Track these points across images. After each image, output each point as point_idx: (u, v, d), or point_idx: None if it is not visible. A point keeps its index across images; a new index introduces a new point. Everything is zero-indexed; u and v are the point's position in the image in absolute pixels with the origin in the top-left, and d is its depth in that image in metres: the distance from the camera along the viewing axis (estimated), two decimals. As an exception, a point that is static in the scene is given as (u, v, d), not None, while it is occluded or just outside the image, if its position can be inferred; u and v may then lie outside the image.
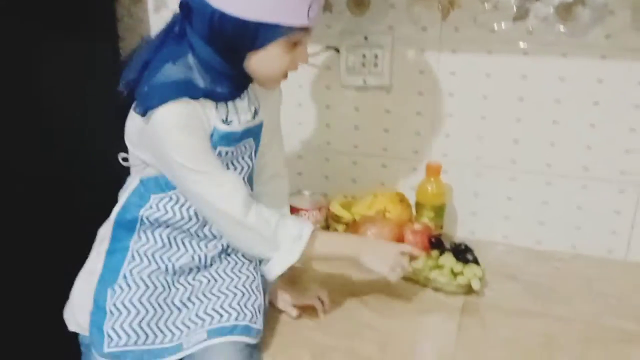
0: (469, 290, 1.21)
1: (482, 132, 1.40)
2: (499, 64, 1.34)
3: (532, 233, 1.44)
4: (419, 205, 1.38)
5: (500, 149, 1.40)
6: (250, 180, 1.09)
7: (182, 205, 1.00)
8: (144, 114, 0.90)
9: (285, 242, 0.99)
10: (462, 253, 1.25)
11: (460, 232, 1.50)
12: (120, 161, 1.04)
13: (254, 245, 1.00)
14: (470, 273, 1.20)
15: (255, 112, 1.03)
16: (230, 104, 0.98)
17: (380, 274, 1.07)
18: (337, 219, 1.37)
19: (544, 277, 1.29)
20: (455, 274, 1.21)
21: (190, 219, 1.00)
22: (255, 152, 1.07)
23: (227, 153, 0.98)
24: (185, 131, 0.91)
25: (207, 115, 0.94)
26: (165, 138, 0.91)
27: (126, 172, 1.06)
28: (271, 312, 1.12)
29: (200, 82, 0.93)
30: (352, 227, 1.32)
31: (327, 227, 1.37)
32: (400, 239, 1.29)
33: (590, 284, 1.27)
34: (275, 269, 1.00)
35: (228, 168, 0.99)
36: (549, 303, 1.19)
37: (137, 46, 1.01)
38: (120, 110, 0.99)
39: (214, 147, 0.95)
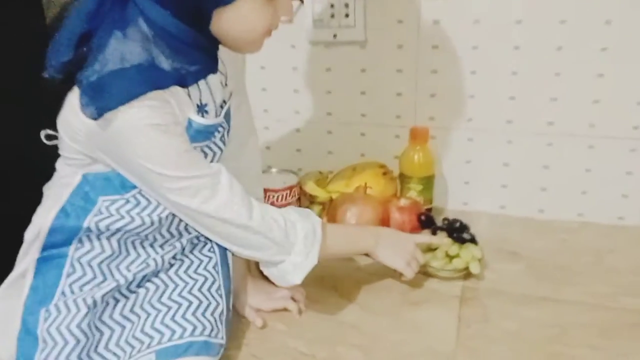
0: (466, 274, 1.04)
1: (472, 89, 1.22)
2: (489, 7, 1.14)
3: (534, 201, 1.27)
4: (404, 178, 1.20)
5: (495, 109, 1.22)
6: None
7: (143, 209, 0.81)
8: (97, 116, 0.70)
9: (299, 243, 0.85)
10: (458, 231, 1.08)
11: (451, 204, 1.33)
12: (44, 140, 0.83)
13: (262, 248, 0.85)
14: (467, 255, 1.03)
15: (225, 84, 0.85)
16: (203, 82, 0.80)
17: (396, 269, 0.97)
18: (312, 199, 1.19)
19: (549, 253, 1.13)
20: (450, 257, 1.05)
21: (152, 223, 0.82)
22: (228, 132, 0.89)
23: (202, 146, 0.82)
24: (159, 133, 0.73)
25: (180, 104, 0.76)
26: (134, 144, 0.73)
27: (52, 157, 0.86)
28: (235, 316, 0.95)
29: (164, 62, 0.73)
30: (330, 208, 1.14)
31: (300, 208, 1.19)
32: (385, 219, 1.11)
33: (602, 257, 1.12)
34: (293, 276, 0.86)
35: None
36: (558, 284, 1.03)
37: (62, 12, 0.79)
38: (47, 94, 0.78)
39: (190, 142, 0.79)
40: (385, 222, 1.11)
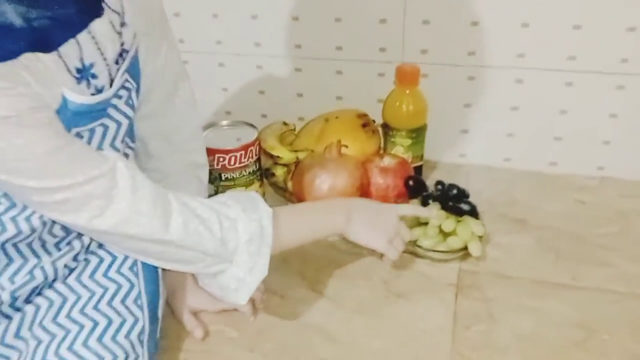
0: (464, 255, 0.84)
1: (475, 14, 0.96)
2: None
3: (545, 152, 1.05)
4: (389, 130, 0.97)
5: (503, 39, 0.97)
6: (131, 135, 0.67)
7: (19, 214, 0.58)
8: None
9: (241, 251, 0.63)
10: (455, 201, 0.87)
11: (446, 155, 1.11)
12: None
13: (190, 262, 0.63)
14: (466, 232, 0.82)
15: (122, 24, 0.59)
16: (83, 34, 0.54)
17: (376, 249, 0.76)
18: (275, 160, 0.96)
19: (564, 220, 0.92)
20: (444, 234, 0.84)
21: (33, 230, 0.60)
22: (138, 90, 0.64)
23: (91, 128, 0.58)
24: (8, 128, 0.47)
25: (43, 77, 0.50)
26: None
27: None
28: (170, 322, 0.75)
29: (10, 12, 0.46)
30: (295, 173, 0.91)
31: (259, 175, 0.95)
32: (364, 185, 0.89)
33: (630, 223, 0.91)
34: (236, 295, 0.65)
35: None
36: (577, 264, 0.83)
37: None
38: None
39: (67, 128, 0.53)
40: (364, 188, 0.89)
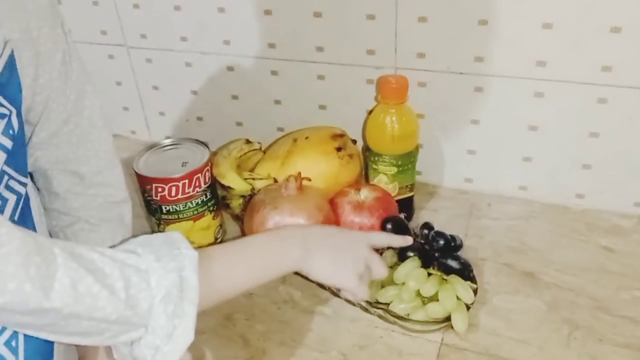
0: (449, 325, 0.66)
1: (483, 9, 0.76)
2: None
3: (570, 181, 0.85)
4: (370, 155, 0.79)
5: (518, 41, 0.76)
6: (19, 169, 0.53)
7: None
8: None
9: (156, 312, 0.47)
10: (441, 253, 0.69)
11: (449, 179, 0.92)
12: None
13: (88, 334, 0.47)
14: (450, 299, 0.65)
15: None
16: None
17: (342, 289, 0.62)
18: (227, 189, 0.79)
19: (586, 276, 0.73)
20: (423, 299, 0.66)
21: None
22: (19, 114, 0.51)
23: None
24: None
25: None
26: None
27: None
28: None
29: None
30: (247, 208, 0.75)
31: (213, 204, 0.79)
32: (331, 225, 0.72)
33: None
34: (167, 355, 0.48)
35: None
36: (597, 344, 0.64)
37: None
38: None
39: None
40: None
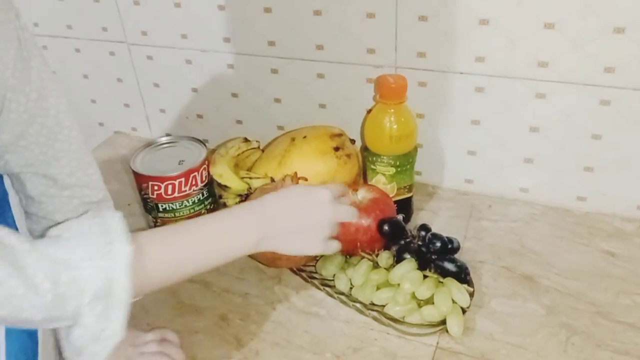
0: (444, 329, 0.65)
1: (485, 8, 0.75)
2: None
3: (572, 184, 0.84)
4: (369, 155, 0.78)
5: (520, 41, 0.75)
6: None
7: None
8: None
9: (84, 309, 0.45)
10: (438, 256, 0.68)
11: (448, 180, 0.91)
12: None
13: (18, 326, 0.48)
14: (445, 302, 0.64)
15: None
16: None
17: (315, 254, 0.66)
18: (224, 188, 0.79)
19: (586, 281, 0.72)
20: (418, 302, 0.66)
21: None
22: None
23: None
24: None
25: None
26: None
27: None
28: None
29: None
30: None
31: (210, 203, 0.78)
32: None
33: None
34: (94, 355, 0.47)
35: None
36: (594, 350, 0.63)
37: None
38: None
39: None
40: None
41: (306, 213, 0.60)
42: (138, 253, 0.48)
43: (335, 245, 0.63)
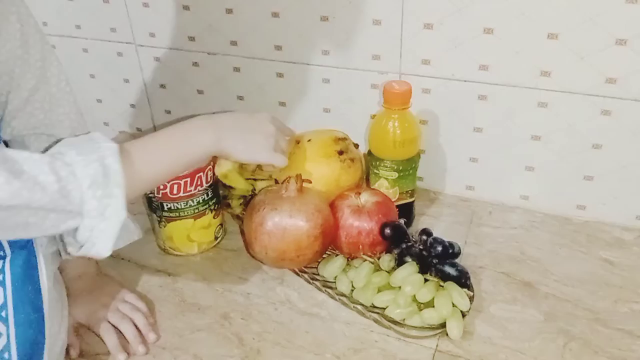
0: (444, 331, 0.66)
1: (489, 18, 0.76)
2: None
3: (572, 192, 0.85)
4: (373, 160, 0.79)
5: (523, 51, 0.76)
6: None
7: None
8: None
9: (86, 198, 0.50)
10: (441, 259, 0.69)
11: (450, 186, 0.92)
12: None
13: (30, 225, 0.49)
14: (446, 306, 0.65)
15: None
16: None
17: (262, 163, 0.69)
18: (229, 189, 0.80)
19: (585, 288, 0.73)
20: (419, 304, 0.66)
21: None
22: None
23: None
24: None
25: None
26: None
27: None
28: None
29: None
30: (248, 208, 0.75)
31: (215, 203, 0.80)
32: (329, 229, 0.72)
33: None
34: (97, 248, 0.53)
35: None
36: (592, 356, 0.64)
37: None
38: None
39: None
40: (330, 233, 0.73)
41: (251, 123, 0.67)
42: (123, 150, 0.54)
43: (283, 159, 0.68)
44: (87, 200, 0.50)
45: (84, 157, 0.51)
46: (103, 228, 0.51)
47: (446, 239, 0.71)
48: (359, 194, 0.76)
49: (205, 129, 0.62)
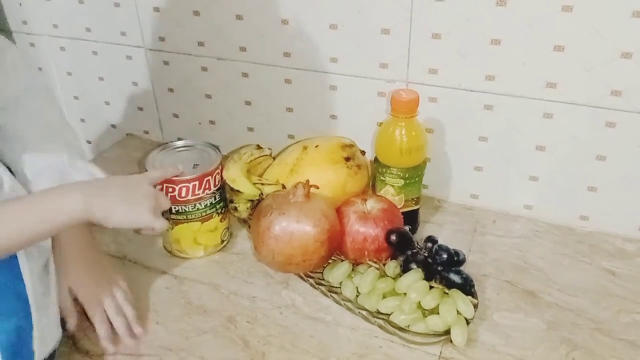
0: (448, 338, 0.67)
1: (496, 29, 0.77)
2: None
3: (575, 203, 0.85)
4: (379, 167, 0.80)
5: (529, 62, 0.77)
6: None
7: None
8: None
9: None
10: (446, 266, 0.69)
11: (454, 194, 0.93)
12: None
13: None
14: (450, 313, 0.65)
15: None
16: None
17: (143, 227, 0.65)
18: (236, 193, 0.81)
19: (588, 298, 0.74)
20: (424, 311, 0.67)
21: None
22: None
23: None
24: None
25: None
26: None
27: None
28: None
29: None
30: (255, 213, 0.76)
31: (222, 207, 0.81)
32: (335, 235, 0.73)
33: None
34: None
35: None
36: (595, 365, 0.65)
37: None
38: None
39: None
40: (336, 239, 0.73)
41: (127, 187, 0.64)
42: None
43: (164, 223, 0.65)
44: None
45: None
46: None
47: (450, 247, 0.72)
48: (365, 200, 0.77)
49: (71, 194, 0.58)
